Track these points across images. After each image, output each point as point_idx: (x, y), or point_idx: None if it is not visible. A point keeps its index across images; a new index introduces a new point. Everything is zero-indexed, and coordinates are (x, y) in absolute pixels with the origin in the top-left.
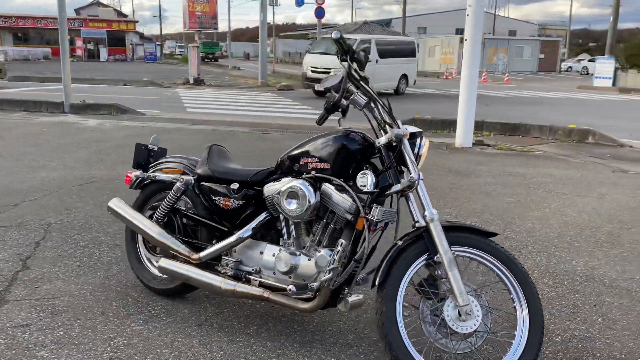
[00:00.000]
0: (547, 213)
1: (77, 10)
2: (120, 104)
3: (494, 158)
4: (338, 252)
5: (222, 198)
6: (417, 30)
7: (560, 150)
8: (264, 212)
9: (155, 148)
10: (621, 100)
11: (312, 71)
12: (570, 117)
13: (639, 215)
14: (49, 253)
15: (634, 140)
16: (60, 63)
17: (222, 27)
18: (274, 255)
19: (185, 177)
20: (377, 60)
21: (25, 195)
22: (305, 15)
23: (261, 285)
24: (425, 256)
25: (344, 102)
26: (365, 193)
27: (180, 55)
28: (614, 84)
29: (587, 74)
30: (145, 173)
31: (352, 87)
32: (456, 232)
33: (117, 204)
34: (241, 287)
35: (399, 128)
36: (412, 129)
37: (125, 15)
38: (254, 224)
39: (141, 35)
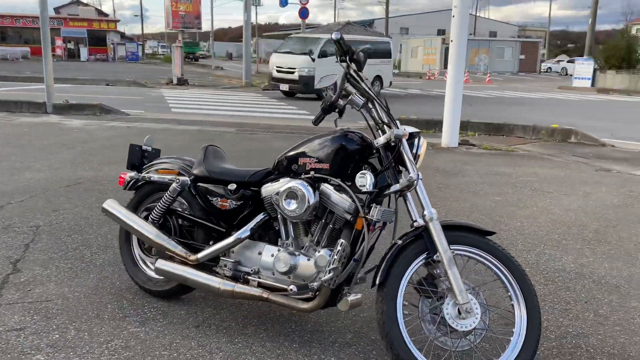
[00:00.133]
0: (535, 212)
1: (56, 9)
2: (104, 104)
3: (479, 158)
4: (338, 251)
5: (219, 199)
6: (400, 30)
7: (543, 149)
8: (262, 213)
9: (149, 149)
10: (600, 101)
11: (278, 71)
12: (552, 117)
13: (623, 213)
14: (39, 255)
15: (616, 140)
16: (42, 62)
17: (205, 26)
18: (272, 255)
19: (182, 178)
20: None
21: (11, 197)
22: (288, 16)
23: (260, 285)
24: (424, 255)
25: (341, 102)
26: (364, 193)
27: (163, 55)
28: (592, 84)
29: (566, 74)
30: (139, 174)
31: (349, 88)
32: (454, 231)
33: (112, 205)
34: (240, 288)
35: (398, 128)
36: (411, 129)
37: (106, 15)
38: (252, 224)
39: (122, 35)
